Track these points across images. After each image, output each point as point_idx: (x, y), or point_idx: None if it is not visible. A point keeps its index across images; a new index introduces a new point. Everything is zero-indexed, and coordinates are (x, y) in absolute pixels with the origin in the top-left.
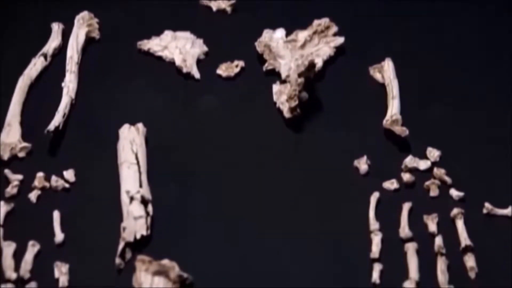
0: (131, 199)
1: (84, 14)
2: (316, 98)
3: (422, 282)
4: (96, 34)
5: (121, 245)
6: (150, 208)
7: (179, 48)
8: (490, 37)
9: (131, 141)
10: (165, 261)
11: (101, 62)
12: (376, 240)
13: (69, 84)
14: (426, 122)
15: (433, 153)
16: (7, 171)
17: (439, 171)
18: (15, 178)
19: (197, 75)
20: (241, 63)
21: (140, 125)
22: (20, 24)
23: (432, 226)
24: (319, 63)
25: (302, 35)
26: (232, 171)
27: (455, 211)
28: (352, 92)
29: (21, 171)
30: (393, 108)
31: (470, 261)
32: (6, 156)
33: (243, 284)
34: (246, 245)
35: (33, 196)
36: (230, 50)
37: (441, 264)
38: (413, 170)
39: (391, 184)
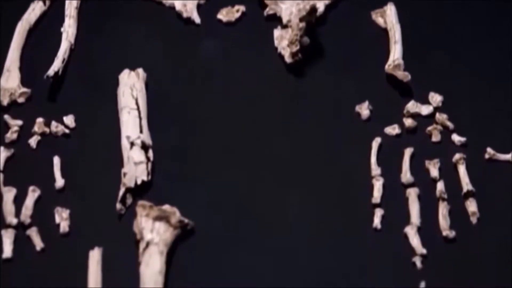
0: (132, 144)
1: None
2: (317, 43)
3: (423, 227)
4: None
5: (121, 191)
6: (150, 153)
7: None
8: None
9: (131, 86)
10: (166, 207)
11: (100, 7)
12: (378, 186)
13: (68, 29)
14: (428, 67)
15: (435, 98)
16: (6, 117)
17: (441, 116)
18: (15, 124)
19: (197, 20)
20: (242, 8)
21: (140, 70)
22: None
23: (434, 172)
24: (320, 7)
25: None
26: (232, 116)
27: (457, 156)
28: (354, 37)
29: (21, 117)
30: (395, 53)
31: (471, 206)
32: (5, 102)
33: (244, 229)
34: (246, 190)
35: (33, 141)
36: None
37: (443, 210)
38: (415, 115)
39: (392, 130)
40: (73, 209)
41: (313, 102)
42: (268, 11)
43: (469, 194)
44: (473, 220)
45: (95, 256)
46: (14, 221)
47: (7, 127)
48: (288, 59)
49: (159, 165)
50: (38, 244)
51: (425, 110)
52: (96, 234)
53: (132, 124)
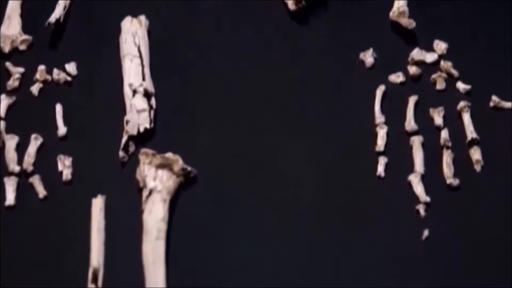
0: (134, 92)
1: None
2: None
3: (427, 175)
4: None
5: (124, 139)
6: (153, 101)
7: None
8: None
9: (133, 33)
10: (169, 154)
11: None
12: (382, 134)
13: None
14: (433, 14)
15: (440, 46)
16: (8, 64)
17: (446, 64)
18: (17, 71)
19: None
20: None
21: (142, 18)
22: None
23: (438, 119)
24: None
25: None
26: (235, 64)
27: (461, 104)
28: None
29: (22, 64)
30: None
31: (476, 154)
32: (7, 49)
33: (246, 176)
34: (249, 138)
35: (35, 89)
36: None
37: (447, 157)
38: (420, 63)
39: (397, 77)
40: (76, 156)
41: (317, 50)
42: None
43: (473, 142)
44: (477, 168)
45: (98, 204)
46: (16, 168)
47: (8, 74)
48: (291, 6)
49: (161, 113)
50: (41, 191)
51: (430, 57)
52: (99, 182)
53: (134, 72)
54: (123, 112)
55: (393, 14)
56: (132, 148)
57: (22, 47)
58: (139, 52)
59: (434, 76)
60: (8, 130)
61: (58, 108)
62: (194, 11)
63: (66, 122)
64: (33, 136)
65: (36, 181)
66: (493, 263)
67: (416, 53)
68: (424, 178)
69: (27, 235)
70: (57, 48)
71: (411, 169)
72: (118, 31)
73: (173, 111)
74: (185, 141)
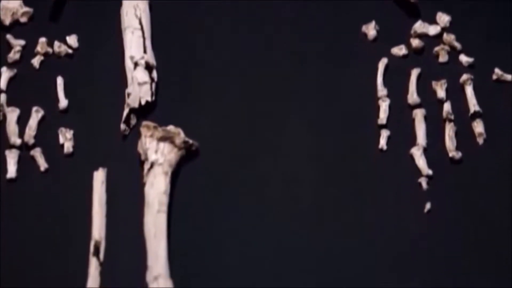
0: (135, 64)
1: None
2: None
3: (429, 148)
4: None
5: (125, 111)
6: (154, 74)
7: None
8: None
9: (134, 6)
10: (170, 127)
11: None
12: (384, 107)
13: None
14: None
15: (443, 18)
16: (9, 36)
17: (448, 37)
18: (17, 44)
19: None
20: None
21: None
22: None
23: (441, 92)
24: None
25: None
26: (237, 36)
27: (464, 77)
28: None
29: (23, 37)
30: None
31: (478, 127)
32: (7, 21)
33: (248, 149)
34: (251, 110)
35: (36, 61)
36: None
37: (449, 130)
38: (422, 36)
39: (399, 50)
40: (77, 129)
41: (319, 22)
42: None
43: (476, 115)
44: (480, 141)
45: (99, 177)
46: (18, 141)
47: (9, 47)
48: None
49: (163, 86)
50: (42, 164)
51: (433, 30)
52: (100, 154)
53: (135, 44)
54: (125, 84)
55: None
56: (133, 121)
57: (23, 20)
58: (140, 24)
59: (436, 49)
60: (9, 103)
61: (59, 80)
62: None
63: (67, 95)
64: (34, 108)
65: (37, 154)
66: (494, 235)
67: (419, 26)
68: (426, 151)
69: (28, 208)
70: (58, 21)
71: (413, 142)
72: (119, 3)
73: (175, 83)
74: (187, 114)
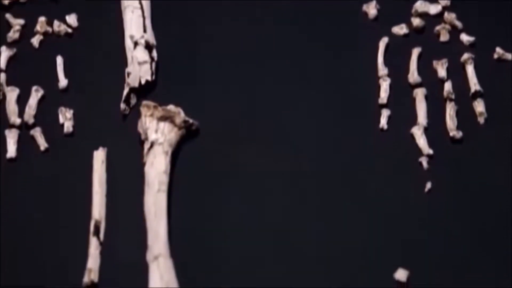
0: (135, 44)
1: None
2: None
3: (430, 127)
4: None
5: (125, 91)
6: (154, 53)
7: None
8: None
9: None
10: (171, 107)
11: None
12: (385, 86)
13: None
14: None
15: None
16: (8, 16)
17: (449, 16)
18: (17, 23)
19: None
20: None
21: None
22: None
23: (442, 72)
24: None
25: None
26: (237, 15)
27: (465, 56)
28: None
29: (23, 16)
30: None
31: (479, 106)
32: (6, 1)
33: (248, 128)
34: (251, 90)
35: (35, 41)
36: None
37: (450, 110)
38: (423, 15)
39: (400, 29)
40: (77, 109)
41: (320, 1)
42: None
43: (476, 94)
44: (481, 120)
45: (99, 156)
46: (17, 121)
47: (9, 26)
48: None
49: (163, 65)
50: (42, 144)
51: (434, 9)
52: (100, 134)
53: (135, 24)
54: (124, 64)
55: None
56: (133, 101)
57: None
58: (140, 3)
59: (437, 28)
60: (9, 82)
61: (59, 60)
62: None
63: (67, 74)
64: (34, 88)
65: (37, 134)
66: (495, 214)
67: (420, 5)
68: (427, 131)
69: (28, 188)
70: (57, 0)
71: (414, 121)
72: None
73: (175, 63)
74: (187, 93)
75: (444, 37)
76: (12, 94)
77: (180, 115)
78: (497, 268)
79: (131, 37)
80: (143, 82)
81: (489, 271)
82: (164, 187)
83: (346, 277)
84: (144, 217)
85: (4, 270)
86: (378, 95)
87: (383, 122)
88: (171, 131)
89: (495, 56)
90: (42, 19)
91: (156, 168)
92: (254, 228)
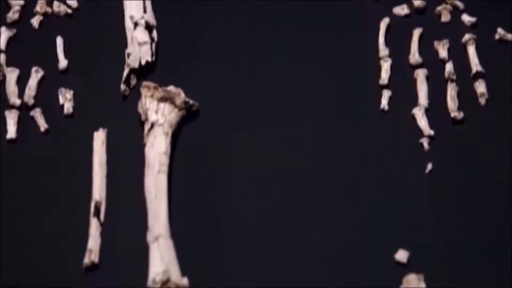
0: (135, 24)
1: None
2: None
3: (431, 108)
4: None
5: (125, 71)
6: (154, 34)
7: None
8: None
9: None
10: (171, 88)
11: None
12: (386, 67)
13: None
14: None
15: None
16: None
17: None
18: (16, 3)
19: None
20: None
21: None
22: None
23: (443, 52)
24: None
25: None
26: None
27: (466, 36)
28: None
29: None
30: None
31: (480, 87)
32: None
33: (249, 109)
34: (252, 71)
35: (35, 21)
36: None
37: (451, 91)
38: None
39: (401, 10)
40: (77, 90)
41: None
42: None
43: (478, 75)
44: (482, 101)
45: (99, 137)
46: (17, 102)
47: (8, 6)
48: None
49: (163, 46)
50: (42, 125)
51: None
52: (101, 115)
53: (135, 4)
54: (125, 45)
55: None
56: (133, 81)
57: None
58: None
59: (439, 8)
60: (9, 63)
61: (59, 41)
62: None
63: (67, 55)
64: (34, 69)
65: (37, 115)
66: (496, 195)
67: None
68: (428, 112)
69: (28, 169)
70: None
71: (415, 102)
72: None
73: (175, 43)
74: (187, 74)
75: (445, 17)
76: (12, 75)
77: (181, 96)
78: (497, 248)
79: (131, 17)
80: (143, 62)
81: (490, 251)
82: (165, 168)
83: (346, 257)
84: (144, 198)
85: (4, 251)
86: (379, 76)
87: (384, 103)
88: (171, 112)
89: (497, 37)
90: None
91: (157, 149)
92: (255, 208)
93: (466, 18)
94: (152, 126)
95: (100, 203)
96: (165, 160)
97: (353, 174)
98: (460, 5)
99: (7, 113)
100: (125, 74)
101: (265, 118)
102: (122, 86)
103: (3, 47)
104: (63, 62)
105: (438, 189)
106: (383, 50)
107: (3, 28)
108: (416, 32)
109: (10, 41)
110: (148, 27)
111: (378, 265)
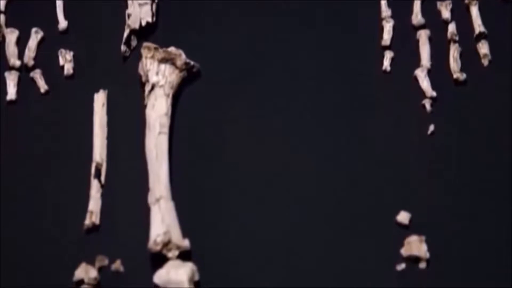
0: None
1: None
2: None
3: (433, 69)
4: None
5: (126, 32)
6: None
7: None
8: None
9: None
10: (172, 49)
11: None
12: (388, 27)
13: None
14: None
15: None
16: None
17: None
18: None
19: None
20: None
21: None
22: None
23: (446, 13)
24: None
25: None
26: None
27: None
28: None
29: None
30: None
31: (483, 48)
32: None
33: (249, 70)
34: (252, 32)
35: None
36: None
37: (454, 52)
38: None
39: None
40: (77, 51)
41: None
42: None
43: (481, 36)
44: (485, 62)
45: (100, 99)
46: (17, 63)
47: None
48: None
49: (164, 6)
50: (42, 86)
51: None
52: (101, 76)
53: None
54: (125, 5)
55: None
56: (134, 42)
57: None
58: None
59: None
60: (8, 24)
61: (59, 1)
62: None
63: (66, 16)
64: (33, 30)
65: (37, 76)
66: (496, 157)
67: None
68: (430, 73)
69: (29, 130)
70: None
71: (417, 63)
72: None
73: (176, 4)
74: (188, 35)
75: None
76: (11, 36)
77: (181, 57)
78: (498, 208)
79: None
80: (143, 23)
81: (490, 212)
82: (165, 130)
83: (347, 218)
84: (145, 160)
85: (4, 215)
86: (381, 37)
87: (386, 64)
88: (172, 73)
89: None
90: None
91: (157, 110)
92: (256, 168)
93: None
94: (153, 87)
95: (100, 164)
96: (166, 121)
97: (355, 135)
98: None
99: (7, 74)
100: (125, 35)
101: (266, 78)
102: (123, 47)
103: (2, 8)
104: (63, 23)
105: (440, 151)
106: (386, 11)
107: None
108: None
109: (9, 2)
110: None
111: (380, 226)
